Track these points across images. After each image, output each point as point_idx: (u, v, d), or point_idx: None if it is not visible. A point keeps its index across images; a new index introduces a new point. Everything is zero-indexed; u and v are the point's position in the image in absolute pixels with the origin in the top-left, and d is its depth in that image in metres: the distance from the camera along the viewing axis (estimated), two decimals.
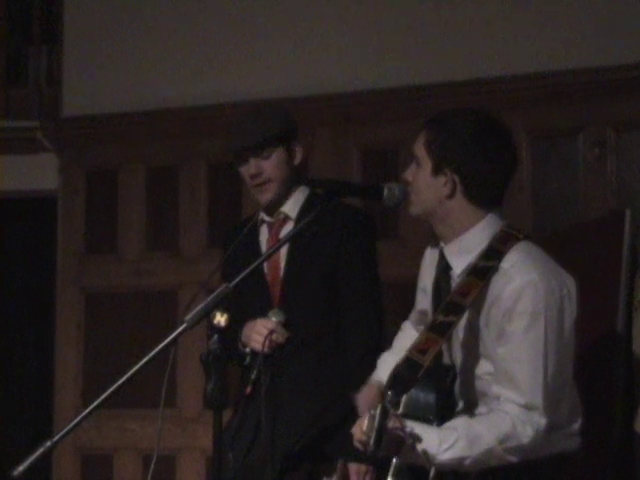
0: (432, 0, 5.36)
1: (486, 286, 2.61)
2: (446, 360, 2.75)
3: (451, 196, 2.66)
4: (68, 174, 6.01)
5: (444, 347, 2.72)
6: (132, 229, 5.88)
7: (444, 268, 2.73)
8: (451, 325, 2.61)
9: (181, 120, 5.77)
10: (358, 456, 3.20)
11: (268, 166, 3.36)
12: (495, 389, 2.60)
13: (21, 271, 6.40)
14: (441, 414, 2.62)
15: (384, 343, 3.33)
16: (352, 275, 3.35)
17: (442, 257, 2.74)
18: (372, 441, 2.36)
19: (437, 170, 2.66)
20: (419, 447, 2.49)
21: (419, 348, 2.59)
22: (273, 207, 3.42)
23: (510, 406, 2.55)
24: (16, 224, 6.38)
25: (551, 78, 5.09)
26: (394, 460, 2.55)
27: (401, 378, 2.57)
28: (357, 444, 2.49)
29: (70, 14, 6.04)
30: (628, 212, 3.31)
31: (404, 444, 2.46)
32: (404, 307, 3.06)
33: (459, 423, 2.55)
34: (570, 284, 2.63)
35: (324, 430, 3.27)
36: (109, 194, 5.93)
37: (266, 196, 3.38)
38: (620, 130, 5.02)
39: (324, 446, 3.27)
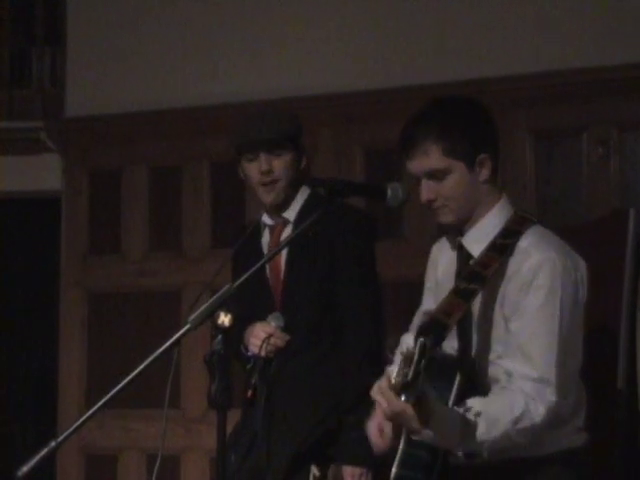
0: (432, 0, 5.36)
1: (505, 262, 2.63)
2: (459, 346, 2.73)
3: (487, 178, 2.69)
4: (72, 174, 6.02)
5: (459, 333, 2.70)
6: (136, 229, 5.89)
7: (464, 258, 2.73)
8: (474, 292, 2.59)
9: (184, 120, 5.77)
10: (353, 458, 3.21)
11: (278, 165, 3.34)
12: (508, 365, 2.59)
13: (25, 271, 6.41)
14: (458, 403, 2.59)
15: (382, 346, 3.33)
16: (350, 278, 3.34)
17: (461, 248, 2.74)
18: (410, 376, 2.25)
19: (472, 162, 2.67)
20: (438, 441, 2.47)
21: (444, 310, 2.57)
22: (276, 210, 3.41)
23: (523, 383, 2.55)
24: (20, 225, 6.39)
25: (554, 77, 5.09)
26: (400, 448, 2.54)
27: (432, 329, 2.50)
28: (383, 405, 2.36)
29: (73, 15, 6.04)
30: (632, 211, 3.30)
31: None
32: (408, 307, 3.06)
33: (477, 405, 2.52)
34: (583, 268, 2.66)
35: (325, 433, 3.27)
36: (113, 194, 5.94)
37: (272, 196, 3.37)
38: (624, 129, 5.02)
39: (327, 449, 3.28)
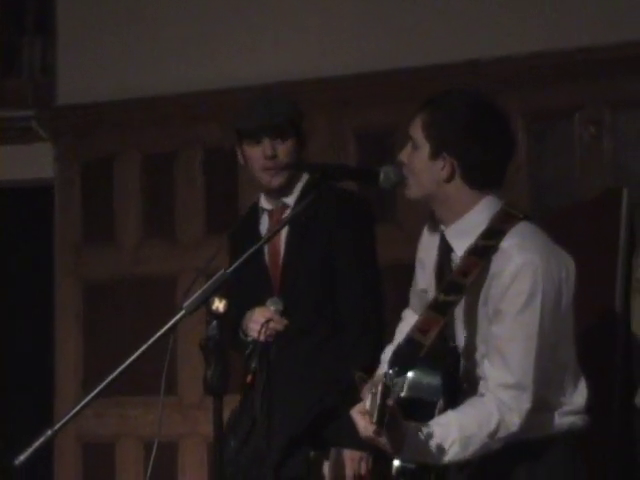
0: None
1: (486, 265, 2.61)
2: (450, 341, 2.75)
3: (449, 180, 2.65)
4: (64, 163, 6.01)
5: (447, 328, 2.72)
6: (129, 217, 5.88)
7: (445, 250, 2.73)
8: (452, 304, 2.61)
9: (177, 107, 5.76)
10: (353, 442, 3.21)
11: (282, 150, 3.35)
12: (486, 368, 2.60)
13: (18, 261, 6.39)
14: (446, 395, 2.62)
15: (382, 325, 3.33)
16: (348, 259, 3.35)
17: (443, 239, 2.73)
18: (375, 419, 2.35)
19: (435, 154, 2.65)
20: (417, 456, 2.52)
21: (420, 328, 2.60)
22: (278, 194, 3.41)
23: (500, 391, 2.56)
24: (12, 214, 6.36)
25: (546, 58, 5.08)
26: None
27: (403, 357, 2.58)
28: (359, 427, 2.48)
29: (63, 4, 6.02)
30: (625, 191, 3.31)
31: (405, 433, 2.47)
32: (404, 290, 3.06)
33: (452, 424, 2.54)
34: (569, 266, 2.63)
35: (323, 416, 3.28)
36: (105, 182, 5.92)
37: (278, 180, 3.37)
38: (616, 109, 5.01)
39: (323, 432, 3.28)
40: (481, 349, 2.66)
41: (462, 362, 2.71)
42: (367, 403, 2.41)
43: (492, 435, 2.54)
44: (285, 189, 3.39)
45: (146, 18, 5.85)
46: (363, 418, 2.44)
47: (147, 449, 5.68)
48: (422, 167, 2.68)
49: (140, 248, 5.86)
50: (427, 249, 2.84)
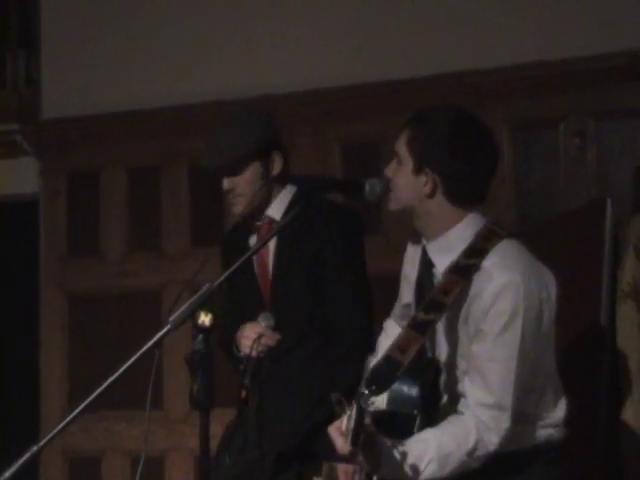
0: None
1: (467, 284, 2.61)
2: (431, 355, 2.75)
3: (431, 196, 2.66)
4: (49, 177, 5.99)
5: (429, 342, 2.72)
6: (114, 230, 5.87)
7: (427, 265, 2.73)
8: (432, 323, 2.61)
9: (162, 120, 5.76)
10: (346, 456, 3.20)
11: (241, 182, 3.37)
12: (466, 386, 2.61)
13: (4, 275, 6.37)
14: (425, 408, 2.63)
15: (373, 338, 3.33)
16: (338, 271, 3.35)
17: (425, 254, 2.74)
18: (349, 441, 2.37)
19: (418, 169, 2.66)
20: (392, 475, 2.54)
21: (399, 346, 2.60)
22: (257, 212, 3.41)
23: (479, 410, 2.57)
24: None
25: (531, 69, 5.09)
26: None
27: (380, 376, 2.58)
28: (337, 445, 2.50)
29: (47, 17, 6.01)
30: (609, 201, 3.31)
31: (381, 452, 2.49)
32: (389, 302, 3.06)
33: (430, 442, 2.56)
34: (550, 284, 2.64)
35: (313, 430, 3.27)
36: (91, 196, 5.91)
37: (237, 208, 3.41)
38: (600, 120, 5.03)
39: (314, 446, 3.27)
40: (462, 365, 2.67)
41: (443, 375, 2.71)
42: (344, 423, 2.43)
43: (470, 454, 2.56)
44: (261, 207, 3.40)
45: (131, 32, 5.85)
46: (339, 437, 2.47)
47: (133, 464, 5.66)
48: (405, 182, 2.69)
49: (125, 261, 5.85)
50: (411, 263, 2.84)
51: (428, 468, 2.54)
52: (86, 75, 5.89)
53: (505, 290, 2.56)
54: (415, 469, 2.53)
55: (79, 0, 5.96)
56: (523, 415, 2.62)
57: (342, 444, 2.45)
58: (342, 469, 3.18)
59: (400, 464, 2.51)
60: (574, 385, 2.72)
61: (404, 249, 2.90)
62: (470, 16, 5.24)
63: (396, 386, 2.62)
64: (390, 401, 2.65)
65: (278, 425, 3.30)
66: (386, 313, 3.08)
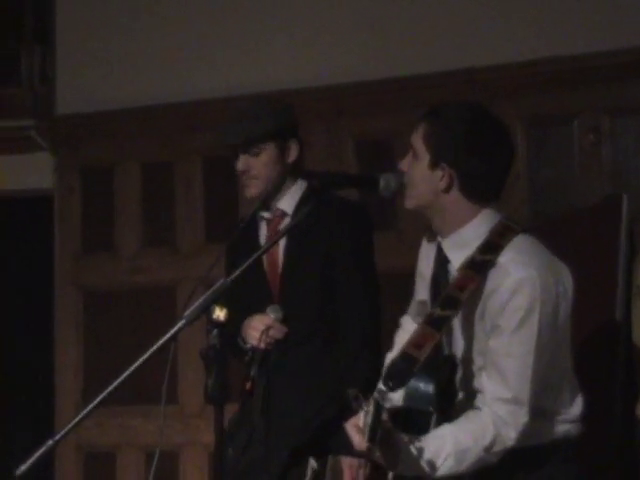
0: None
1: (483, 280, 2.61)
2: (447, 351, 2.75)
3: (447, 191, 2.66)
4: (63, 172, 6.01)
5: (445, 339, 2.72)
6: (129, 226, 5.88)
7: (442, 262, 2.73)
8: (447, 319, 2.61)
9: (175, 116, 5.76)
10: (351, 450, 3.21)
11: (256, 163, 3.36)
12: (483, 382, 2.61)
13: (18, 271, 6.39)
14: (440, 405, 2.63)
15: (381, 337, 3.33)
16: (348, 269, 3.35)
17: (440, 251, 2.73)
18: (367, 437, 2.38)
19: (434, 164, 2.66)
20: (410, 471, 2.53)
21: (415, 342, 2.60)
22: (269, 203, 3.41)
23: (497, 405, 2.57)
24: (12, 224, 6.37)
25: (544, 65, 5.09)
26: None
27: (396, 373, 2.58)
28: (354, 441, 2.50)
29: (62, 13, 6.02)
30: (625, 197, 3.30)
31: (400, 450, 2.49)
32: (403, 298, 3.06)
33: (447, 437, 2.56)
34: (566, 279, 2.63)
35: (324, 425, 3.28)
36: (105, 191, 5.93)
37: (250, 191, 3.40)
38: (615, 115, 5.02)
39: (326, 441, 3.27)
40: (478, 361, 2.67)
41: (459, 372, 2.71)
42: (361, 419, 2.43)
43: (488, 449, 2.56)
44: (272, 197, 3.40)
45: (144, 29, 5.86)
46: (357, 433, 2.47)
47: (148, 458, 5.67)
48: (421, 177, 2.68)
49: (140, 257, 5.86)
50: (426, 260, 2.84)
51: (445, 464, 2.54)
52: (100, 72, 5.90)
53: (522, 286, 2.55)
54: (432, 465, 2.52)
55: None
56: (541, 410, 2.61)
57: (359, 440, 2.45)
58: (347, 462, 3.18)
59: (417, 460, 2.51)
60: (589, 381, 2.72)
61: (418, 246, 2.90)
62: (481, 12, 5.23)
63: (412, 383, 2.62)
64: (406, 398, 2.65)
65: (287, 421, 3.30)
66: (399, 310, 3.07)
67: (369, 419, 2.37)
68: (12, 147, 6.05)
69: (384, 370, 2.66)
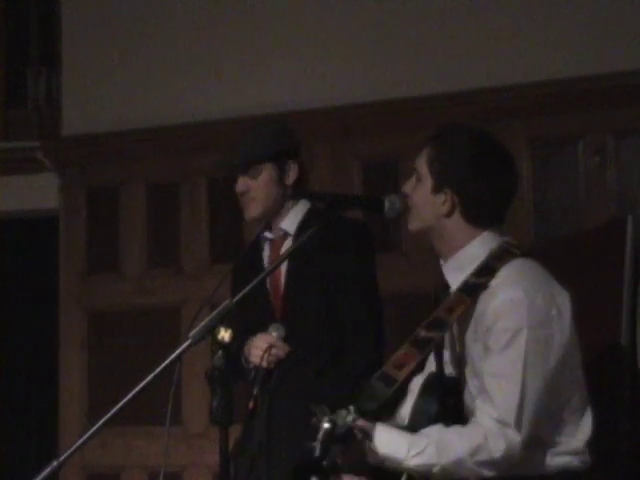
0: (431, 12, 5.37)
1: (474, 303, 2.60)
2: (453, 374, 2.75)
3: (449, 215, 2.66)
4: (69, 193, 6.02)
5: (451, 361, 2.71)
6: (134, 247, 5.89)
7: (444, 286, 2.72)
8: (431, 341, 2.60)
9: (181, 137, 5.78)
10: (352, 467, 3.20)
11: (254, 185, 3.38)
12: (477, 401, 2.59)
13: (23, 291, 6.40)
14: (445, 424, 2.61)
15: (382, 360, 3.32)
16: (351, 290, 3.35)
17: (441, 275, 2.73)
18: (317, 451, 2.43)
19: (437, 189, 2.66)
20: (386, 450, 2.51)
21: (396, 362, 2.59)
22: (271, 224, 3.43)
23: (485, 419, 2.53)
24: (18, 244, 6.38)
25: (550, 86, 5.10)
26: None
27: (372, 392, 2.56)
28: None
29: (68, 35, 6.05)
30: (630, 218, 3.29)
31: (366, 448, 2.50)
32: (406, 319, 3.06)
33: (433, 430, 2.55)
34: (562, 303, 2.59)
35: None
36: (110, 212, 5.94)
37: (248, 213, 3.43)
38: (620, 137, 5.02)
39: (326, 459, 3.26)
40: (474, 383, 2.65)
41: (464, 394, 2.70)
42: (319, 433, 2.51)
43: (472, 453, 2.50)
44: (272, 217, 3.41)
45: (150, 50, 5.88)
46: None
47: (152, 479, 5.66)
48: (424, 200, 2.69)
49: (145, 277, 5.87)
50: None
51: (427, 450, 2.50)
52: (105, 93, 5.92)
53: (507, 307, 2.54)
54: (415, 446, 2.50)
55: (99, 19, 5.99)
56: (537, 439, 2.57)
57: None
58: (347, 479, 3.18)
59: (399, 439, 2.51)
60: (595, 405, 2.69)
61: (422, 267, 2.92)
62: (487, 34, 5.25)
63: (419, 402, 2.60)
64: (412, 414, 2.64)
65: (288, 437, 3.29)
66: (403, 330, 3.06)
67: (321, 436, 2.43)
68: (18, 168, 6.07)
69: (361, 389, 2.64)
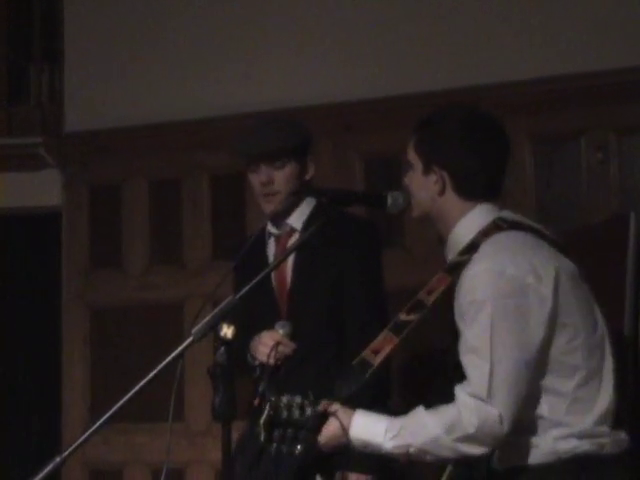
0: (430, 8, 5.37)
1: (454, 281, 2.58)
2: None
3: (442, 193, 2.66)
4: (71, 189, 6.02)
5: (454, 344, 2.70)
6: (136, 243, 5.89)
7: None
8: (409, 324, 2.57)
9: (183, 133, 5.78)
10: (358, 466, 3.20)
11: (279, 177, 3.37)
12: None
13: (26, 287, 6.40)
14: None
15: None
16: (356, 286, 3.35)
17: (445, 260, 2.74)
18: (262, 436, 2.47)
19: (427, 169, 2.68)
20: (366, 436, 2.52)
21: (374, 348, 2.58)
22: (279, 219, 3.42)
23: (461, 395, 2.49)
24: (20, 240, 6.38)
25: (552, 83, 5.09)
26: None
27: (348, 377, 2.56)
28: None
29: (71, 31, 6.05)
30: (633, 215, 3.30)
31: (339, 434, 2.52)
32: None
33: (412, 412, 2.53)
34: (543, 270, 2.52)
35: None
36: (113, 209, 5.94)
37: (271, 207, 3.39)
38: (622, 133, 5.02)
39: (331, 457, 3.27)
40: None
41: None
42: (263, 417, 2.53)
43: (448, 431, 2.46)
44: (286, 213, 3.40)
45: (153, 47, 5.88)
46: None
47: (154, 476, 5.67)
48: (418, 185, 2.71)
49: (147, 274, 5.87)
50: None
51: (402, 432, 2.49)
52: (108, 89, 5.92)
53: (475, 279, 2.51)
54: (390, 429, 2.50)
55: (102, 15, 5.99)
56: (527, 417, 2.51)
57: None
58: (354, 478, 3.18)
59: (376, 422, 2.51)
60: (615, 385, 2.66)
61: (425, 262, 2.92)
62: (490, 29, 5.24)
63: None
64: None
65: None
66: None
67: (263, 419, 2.46)
68: (21, 164, 6.07)
69: (340, 374, 2.63)
